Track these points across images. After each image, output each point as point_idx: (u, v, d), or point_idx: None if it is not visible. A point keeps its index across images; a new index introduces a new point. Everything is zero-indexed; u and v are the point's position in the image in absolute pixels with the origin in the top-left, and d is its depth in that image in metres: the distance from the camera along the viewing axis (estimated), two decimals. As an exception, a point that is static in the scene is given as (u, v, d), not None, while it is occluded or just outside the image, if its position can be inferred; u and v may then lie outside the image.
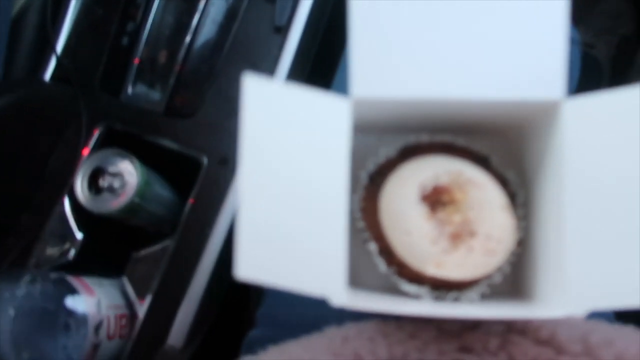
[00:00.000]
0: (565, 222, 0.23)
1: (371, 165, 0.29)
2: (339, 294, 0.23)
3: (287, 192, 0.23)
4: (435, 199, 0.26)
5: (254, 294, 0.46)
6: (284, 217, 0.23)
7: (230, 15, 0.48)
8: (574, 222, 0.22)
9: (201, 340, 0.43)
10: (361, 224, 0.28)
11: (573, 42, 0.44)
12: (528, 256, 0.28)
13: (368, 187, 0.29)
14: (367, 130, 0.31)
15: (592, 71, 0.65)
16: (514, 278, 0.29)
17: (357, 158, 0.30)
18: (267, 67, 0.47)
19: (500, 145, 0.30)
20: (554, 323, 0.26)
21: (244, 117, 0.22)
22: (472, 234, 0.25)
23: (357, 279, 0.31)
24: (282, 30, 0.47)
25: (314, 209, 0.23)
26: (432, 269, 0.25)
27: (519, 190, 0.28)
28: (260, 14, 0.48)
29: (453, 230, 0.25)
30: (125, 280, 0.42)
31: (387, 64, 0.24)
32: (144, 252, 0.42)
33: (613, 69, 0.68)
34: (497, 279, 0.27)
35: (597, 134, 0.22)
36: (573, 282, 0.22)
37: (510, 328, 0.27)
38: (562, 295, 0.22)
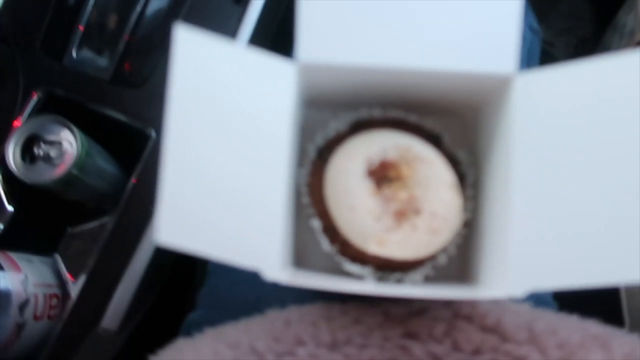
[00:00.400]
0: (511, 203, 0.22)
1: (320, 139, 0.28)
2: (274, 267, 0.21)
3: (220, 158, 0.21)
4: (382, 174, 0.24)
5: (199, 275, 0.44)
6: (217, 183, 0.21)
7: (187, -17, 0.46)
8: (519, 203, 0.22)
9: (138, 323, 0.40)
10: (306, 199, 0.27)
11: (535, 32, 0.44)
12: (475, 238, 0.27)
13: (315, 161, 0.27)
14: (320, 104, 0.30)
15: (550, 68, 0.66)
16: (461, 261, 0.28)
17: (308, 132, 0.29)
18: (227, 38, 0.45)
19: (453, 125, 0.29)
20: (500, 310, 0.26)
21: (172, 75, 0.20)
22: (417, 211, 0.24)
23: (302, 259, 0.29)
24: (242, 1, 0.45)
25: (251, 177, 0.22)
26: (374, 247, 0.24)
27: (470, 171, 0.27)
28: (219, -16, 0.46)
29: (398, 208, 0.24)
30: (58, 258, 0.40)
31: (337, 30, 0.23)
32: (80, 228, 0.40)
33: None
34: (442, 260, 0.26)
35: (547, 110, 0.22)
36: (514, 263, 0.21)
37: (457, 314, 0.26)
38: (504, 277, 0.22)
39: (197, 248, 0.20)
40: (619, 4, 0.63)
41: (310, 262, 0.29)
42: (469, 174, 0.27)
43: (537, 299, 0.27)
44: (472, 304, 0.24)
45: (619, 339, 0.23)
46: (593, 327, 0.24)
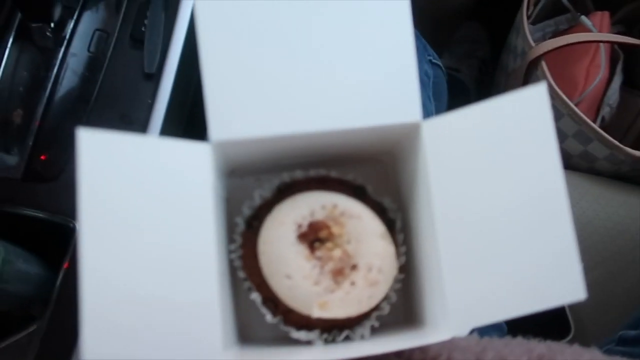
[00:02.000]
0: (439, 244, 0.22)
1: (247, 210, 0.27)
2: (216, 351, 0.20)
3: (143, 252, 0.20)
4: (313, 236, 0.25)
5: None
6: (142, 279, 0.20)
7: (93, 65, 0.45)
8: (446, 244, 0.22)
9: None
10: (242, 273, 0.26)
11: (435, 65, 0.47)
12: (413, 281, 0.28)
13: (245, 233, 0.27)
14: (242, 173, 0.30)
15: (460, 93, 0.71)
16: (403, 305, 0.29)
17: (234, 203, 0.29)
18: (140, 116, 0.44)
19: (375, 173, 0.30)
20: (450, 348, 0.26)
21: (80, 178, 0.20)
22: (353, 267, 0.24)
23: (247, 333, 0.28)
24: (154, 78, 0.45)
25: (178, 264, 0.21)
26: (317, 312, 0.24)
27: (397, 216, 0.28)
28: (128, 61, 0.46)
29: (334, 267, 0.24)
30: (-15, 380, 0.36)
31: (244, 105, 0.23)
32: (5, 342, 0.36)
33: (478, 90, 0.74)
34: (385, 309, 0.26)
35: (453, 149, 0.23)
36: (454, 302, 0.22)
37: (409, 358, 0.26)
38: (446, 317, 0.22)
39: (131, 357, 0.19)
40: (508, 27, 0.69)
41: (257, 335, 0.28)
42: (397, 219, 0.28)
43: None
44: (422, 348, 0.24)
45: (562, 355, 0.24)
46: (538, 348, 0.25)
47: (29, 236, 0.40)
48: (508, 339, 0.26)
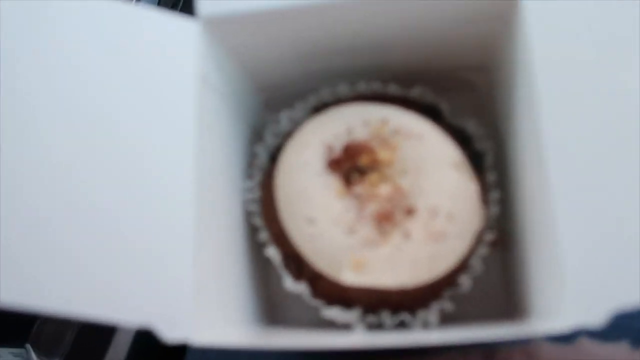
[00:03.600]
0: (550, 189, 0.13)
1: (270, 137, 0.20)
2: (181, 325, 0.13)
3: (90, 167, 0.14)
4: (350, 164, 0.16)
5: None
6: (82, 211, 0.14)
7: None
8: (561, 188, 0.13)
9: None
10: (258, 221, 0.19)
11: None
12: (511, 245, 0.18)
13: (267, 168, 0.20)
14: (275, 93, 0.22)
15: None
16: (494, 282, 0.19)
17: (254, 131, 0.21)
18: None
19: (456, 95, 0.21)
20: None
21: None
22: (409, 211, 0.16)
23: (279, 313, 0.21)
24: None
25: (132, 193, 0.14)
26: (349, 274, 0.15)
27: (486, 147, 0.18)
28: None
29: (379, 209, 0.16)
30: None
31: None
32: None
33: None
34: (464, 285, 0.17)
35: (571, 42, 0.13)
36: (573, 277, 0.12)
37: None
38: (563, 300, 0.13)
39: (54, 306, 0.13)
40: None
41: (289, 315, 0.21)
42: (487, 151, 0.18)
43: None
44: (527, 351, 0.15)
45: None
46: None
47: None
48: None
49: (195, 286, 0.14)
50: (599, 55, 0.13)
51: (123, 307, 0.13)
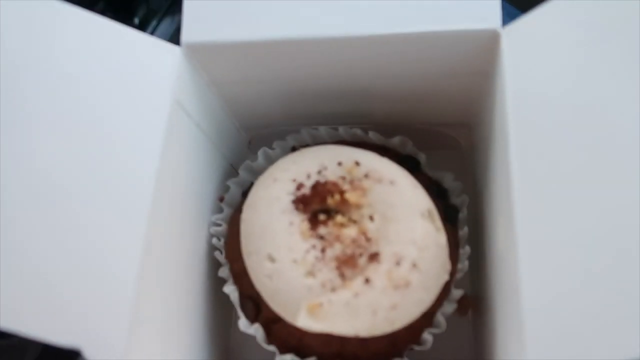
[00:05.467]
0: (517, 252, 0.13)
1: (245, 173, 0.20)
2: (112, 350, 0.12)
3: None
4: (318, 204, 0.16)
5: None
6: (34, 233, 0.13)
7: None
8: (527, 252, 0.13)
9: None
10: (221, 257, 0.18)
11: None
12: (482, 311, 0.17)
13: (238, 204, 0.19)
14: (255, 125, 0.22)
15: None
16: (460, 341, 0.18)
17: (233, 168, 0.21)
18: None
19: (437, 149, 0.21)
20: None
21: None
22: (372, 256, 0.15)
23: (233, 356, 0.20)
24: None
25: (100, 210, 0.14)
26: (303, 318, 0.14)
27: (461, 202, 0.18)
28: None
29: (342, 253, 0.15)
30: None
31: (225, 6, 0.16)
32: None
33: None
34: (427, 343, 0.16)
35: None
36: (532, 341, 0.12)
37: None
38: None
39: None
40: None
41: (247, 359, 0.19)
42: (462, 206, 0.18)
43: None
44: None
45: None
46: None
47: None
48: None
49: (133, 316, 0.13)
50: (576, 117, 0.13)
51: (54, 326, 0.13)
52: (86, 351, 0.12)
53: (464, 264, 0.16)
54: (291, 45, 0.16)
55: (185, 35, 0.16)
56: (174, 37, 0.17)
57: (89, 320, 0.13)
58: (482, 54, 0.16)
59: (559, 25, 0.14)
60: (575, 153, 0.13)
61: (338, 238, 0.15)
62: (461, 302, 0.17)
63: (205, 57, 0.16)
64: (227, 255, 0.18)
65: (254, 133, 0.22)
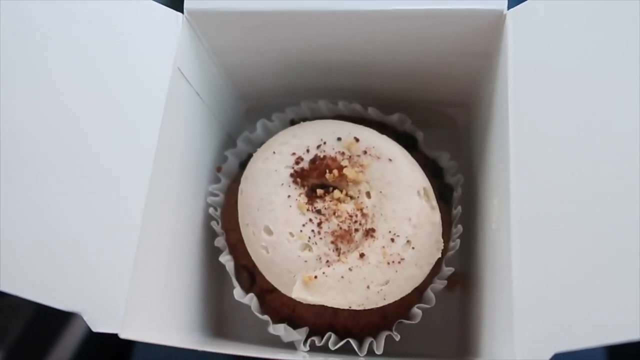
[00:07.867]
0: (511, 232, 0.13)
1: (242, 143, 0.20)
2: (112, 315, 0.13)
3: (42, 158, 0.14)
4: (316, 178, 0.16)
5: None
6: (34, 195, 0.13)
7: None
8: (522, 232, 0.13)
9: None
10: (218, 227, 0.18)
11: None
12: (471, 286, 0.18)
13: (236, 174, 0.19)
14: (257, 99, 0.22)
15: None
16: (447, 318, 0.19)
17: (230, 137, 0.21)
18: None
19: (435, 128, 0.21)
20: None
21: None
22: (368, 232, 0.15)
23: (227, 324, 0.20)
24: None
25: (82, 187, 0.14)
26: (298, 289, 0.15)
27: (457, 181, 0.18)
28: None
29: (338, 228, 0.15)
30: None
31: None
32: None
33: None
34: (416, 316, 0.16)
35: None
36: (520, 328, 0.12)
37: None
38: (510, 345, 0.12)
39: None
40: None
41: (240, 327, 0.20)
42: (457, 185, 0.18)
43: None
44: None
45: None
46: None
47: None
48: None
49: (132, 284, 0.13)
50: (576, 100, 0.13)
51: (57, 291, 0.13)
52: (86, 315, 0.13)
53: (455, 242, 0.17)
54: (294, 16, 0.15)
55: (188, 2, 0.16)
56: (176, 3, 0.16)
57: (89, 285, 0.13)
58: (486, 34, 0.16)
59: (564, 9, 0.13)
60: (574, 136, 0.13)
61: (335, 213, 0.15)
62: (451, 278, 0.17)
63: (207, 24, 0.16)
64: (223, 226, 0.18)
65: (251, 103, 0.22)
